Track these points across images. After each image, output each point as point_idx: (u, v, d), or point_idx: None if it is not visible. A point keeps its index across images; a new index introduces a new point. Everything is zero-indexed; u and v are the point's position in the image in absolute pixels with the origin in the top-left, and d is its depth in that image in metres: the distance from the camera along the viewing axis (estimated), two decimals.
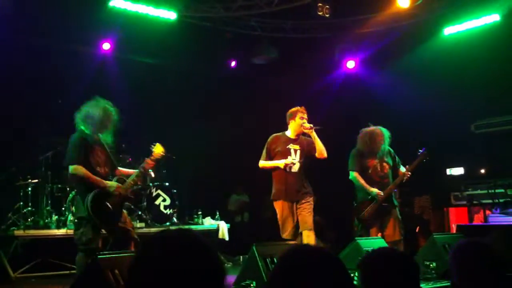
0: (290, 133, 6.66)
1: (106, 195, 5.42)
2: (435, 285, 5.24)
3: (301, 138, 6.66)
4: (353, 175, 6.91)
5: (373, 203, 6.77)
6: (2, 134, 8.36)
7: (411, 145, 8.99)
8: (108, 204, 5.44)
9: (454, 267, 2.58)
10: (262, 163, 6.65)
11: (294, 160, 6.48)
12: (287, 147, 6.56)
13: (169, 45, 9.62)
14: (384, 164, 6.92)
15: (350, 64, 11.04)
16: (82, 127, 5.58)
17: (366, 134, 6.94)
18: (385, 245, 5.72)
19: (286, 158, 6.48)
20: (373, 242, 5.74)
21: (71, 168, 5.38)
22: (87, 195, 5.35)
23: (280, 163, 6.46)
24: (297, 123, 6.58)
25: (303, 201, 6.52)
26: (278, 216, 6.62)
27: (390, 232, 6.75)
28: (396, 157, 7.06)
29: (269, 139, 6.68)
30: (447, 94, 9.71)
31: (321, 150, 6.51)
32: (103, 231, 5.63)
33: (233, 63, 11.08)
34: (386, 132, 6.92)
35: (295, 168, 6.50)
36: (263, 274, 5.11)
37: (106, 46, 9.51)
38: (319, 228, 10.16)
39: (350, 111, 10.64)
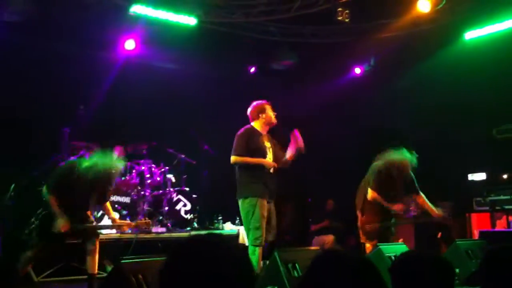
0: (260, 128, 6.46)
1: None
2: None
3: (268, 135, 6.50)
4: (372, 195, 6.78)
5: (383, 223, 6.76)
6: (23, 139, 8.47)
7: (431, 151, 8.96)
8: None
9: (485, 273, 2.53)
10: (241, 158, 6.24)
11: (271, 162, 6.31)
12: (264, 144, 6.37)
13: (189, 50, 9.68)
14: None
15: (357, 70, 11.10)
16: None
17: (398, 163, 6.70)
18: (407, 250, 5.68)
19: (264, 156, 6.30)
20: (395, 247, 5.70)
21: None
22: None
23: (266, 163, 6.28)
24: (269, 115, 6.46)
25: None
26: (256, 215, 6.18)
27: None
28: (414, 181, 6.90)
29: (245, 133, 6.33)
30: (468, 99, 9.63)
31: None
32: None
33: (252, 69, 11.10)
34: (413, 159, 6.70)
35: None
36: (285, 280, 5.11)
37: (129, 45, 9.55)
38: (339, 234, 10.16)
39: (366, 117, 10.62)
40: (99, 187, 5.89)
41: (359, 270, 1.71)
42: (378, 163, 6.87)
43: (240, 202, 6.33)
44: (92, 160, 5.81)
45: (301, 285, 1.79)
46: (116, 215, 6.28)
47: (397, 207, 6.70)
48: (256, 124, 6.47)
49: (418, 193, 6.87)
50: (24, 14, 8.22)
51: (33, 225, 5.90)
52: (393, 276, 2.23)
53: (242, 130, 6.38)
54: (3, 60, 8.37)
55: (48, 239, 5.84)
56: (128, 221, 8.34)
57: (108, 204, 6.29)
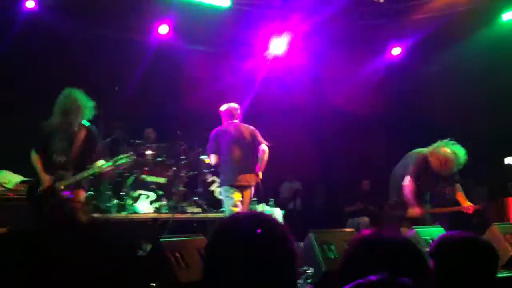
0: None
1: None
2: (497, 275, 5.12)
3: None
4: (408, 183, 6.68)
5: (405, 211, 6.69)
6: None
7: (466, 133, 8.82)
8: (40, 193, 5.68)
9: None
10: None
11: None
12: None
13: (223, 32, 9.68)
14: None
15: (396, 51, 10.83)
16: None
17: (441, 159, 6.55)
18: (444, 232, 5.63)
19: None
20: (432, 230, 5.67)
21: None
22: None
23: None
24: None
25: None
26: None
27: None
28: (454, 176, 6.76)
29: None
30: (503, 80, 9.43)
31: None
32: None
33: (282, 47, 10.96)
34: (460, 159, 6.54)
35: None
36: (321, 261, 5.14)
37: (163, 30, 9.60)
38: (374, 216, 10.13)
39: (400, 100, 10.49)
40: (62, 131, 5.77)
41: (400, 250, 1.71)
42: (421, 151, 6.76)
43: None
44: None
45: (343, 264, 1.79)
46: (102, 162, 5.96)
47: (414, 211, 6.61)
48: None
49: (453, 185, 6.78)
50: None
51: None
52: (434, 260, 2.17)
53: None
54: (45, 44, 8.53)
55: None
56: (163, 201, 8.48)
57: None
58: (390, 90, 10.65)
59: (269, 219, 1.64)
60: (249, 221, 1.61)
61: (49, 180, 5.66)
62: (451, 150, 6.52)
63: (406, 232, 6.49)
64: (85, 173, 5.82)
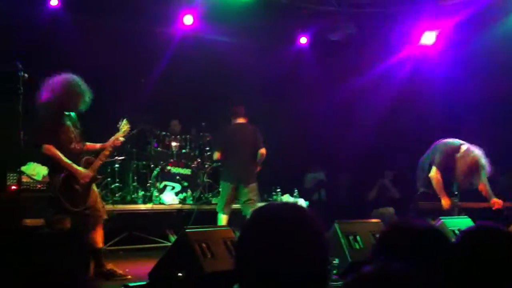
0: None
1: (75, 178, 5.50)
2: None
3: None
4: (434, 174, 6.53)
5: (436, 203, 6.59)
6: (88, 113, 8.72)
7: (501, 119, 8.67)
8: (77, 186, 5.52)
9: None
10: None
11: None
12: None
13: (247, 23, 9.66)
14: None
15: (428, 37, 10.58)
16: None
17: (469, 163, 6.35)
18: (472, 224, 5.57)
19: None
20: (459, 221, 5.61)
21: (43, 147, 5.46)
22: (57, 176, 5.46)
23: None
24: None
25: None
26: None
27: None
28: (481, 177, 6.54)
29: None
30: None
31: None
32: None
33: (304, 40, 10.91)
34: (483, 167, 6.36)
35: None
36: (346, 251, 5.13)
37: (188, 20, 9.61)
38: (399, 206, 10.06)
39: (430, 87, 10.32)
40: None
41: (430, 239, 1.69)
42: (451, 143, 6.59)
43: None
44: None
45: (373, 253, 1.79)
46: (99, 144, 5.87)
47: (444, 202, 6.52)
48: None
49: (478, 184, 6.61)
50: None
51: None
52: (462, 250, 2.13)
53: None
54: (65, 36, 8.61)
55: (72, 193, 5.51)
56: (188, 193, 8.53)
57: (88, 144, 5.89)
58: (420, 81, 10.44)
59: (302, 210, 1.64)
60: (282, 211, 1.60)
61: (88, 172, 5.57)
62: (480, 156, 6.33)
63: (433, 223, 6.45)
64: (103, 157, 5.77)
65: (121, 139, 5.90)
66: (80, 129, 5.76)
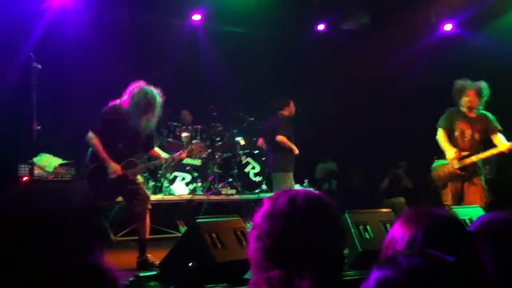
0: None
1: (105, 171, 5.60)
2: None
3: None
4: (438, 132, 6.66)
5: (449, 165, 6.52)
6: (101, 105, 8.77)
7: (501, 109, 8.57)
8: (106, 179, 5.61)
9: None
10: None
11: None
12: None
13: (259, 13, 9.62)
14: (474, 131, 6.55)
15: (448, 26, 10.45)
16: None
17: (454, 87, 6.58)
18: (483, 213, 5.53)
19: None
20: (470, 210, 5.58)
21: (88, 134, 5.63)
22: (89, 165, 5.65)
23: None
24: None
25: None
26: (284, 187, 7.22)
27: (470, 200, 6.42)
28: (495, 124, 6.54)
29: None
30: None
31: None
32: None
33: (321, 27, 10.82)
34: (482, 90, 6.42)
35: None
36: (356, 242, 5.10)
37: (196, 17, 9.61)
38: (410, 195, 10.03)
39: (448, 76, 10.21)
40: (139, 123, 5.69)
41: (447, 227, 1.68)
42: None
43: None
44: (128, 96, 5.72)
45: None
46: (166, 155, 6.06)
47: (450, 154, 6.46)
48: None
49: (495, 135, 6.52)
50: None
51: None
52: (481, 239, 2.09)
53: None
54: (78, 27, 8.63)
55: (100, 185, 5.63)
56: (198, 183, 8.56)
57: (156, 149, 6.16)
58: (439, 69, 10.32)
59: (319, 197, 1.63)
60: (298, 199, 1.59)
61: (119, 168, 5.64)
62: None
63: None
64: (151, 164, 6.00)
65: (183, 157, 6.20)
66: (147, 135, 5.89)
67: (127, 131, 5.68)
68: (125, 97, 5.70)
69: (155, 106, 5.68)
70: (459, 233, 1.70)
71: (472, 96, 6.50)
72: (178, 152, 6.22)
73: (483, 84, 6.49)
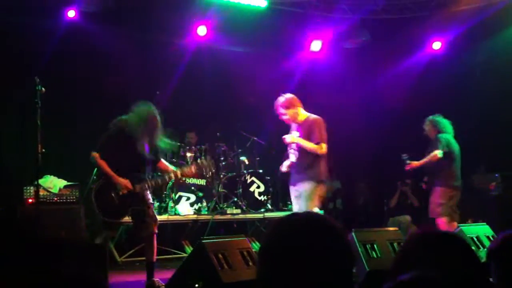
0: None
1: (114, 188, 5.59)
2: None
3: None
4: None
5: None
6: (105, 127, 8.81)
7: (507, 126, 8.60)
8: (113, 196, 5.59)
9: None
10: None
11: None
12: None
13: (260, 32, 9.69)
14: None
15: (436, 45, 10.59)
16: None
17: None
18: (491, 232, 5.51)
19: None
20: (477, 228, 5.55)
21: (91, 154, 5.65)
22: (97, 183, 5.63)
23: None
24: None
25: None
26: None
27: None
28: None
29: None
30: None
31: None
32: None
33: (318, 45, 10.87)
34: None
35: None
36: (364, 261, 5.08)
37: (201, 31, 9.62)
38: (415, 214, 9.98)
39: (436, 94, 10.28)
40: (143, 138, 5.71)
41: (453, 246, 1.67)
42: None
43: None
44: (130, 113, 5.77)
45: (396, 263, 1.75)
46: (174, 168, 6.00)
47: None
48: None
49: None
50: (101, 4, 8.46)
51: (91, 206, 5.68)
52: (495, 258, 2.05)
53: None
54: (81, 48, 8.69)
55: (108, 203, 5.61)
56: (203, 203, 8.53)
57: (163, 161, 6.10)
58: (429, 86, 10.42)
59: (326, 220, 1.61)
60: (306, 222, 1.58)
61: (128, 182, 5.62)
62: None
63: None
64: (160, 179, 5.91)
65: (193, 171, 6.03)
66: (155, 150, 5.88)
67: (133, 147, 5.68)
68: (129, 114, 5.74)
69: (158, 121, 5.75)
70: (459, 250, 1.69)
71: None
72: (188, 166, 6.13)
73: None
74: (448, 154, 7.20)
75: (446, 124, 7.42)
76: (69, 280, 1.08)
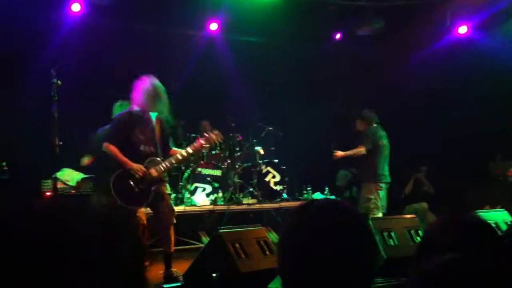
0: None
1: (131, 176, 5.56)
2: None
3: None
4: None
5: None
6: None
7: None
8: (132, 184, 5.57)
9: None
10: None
11: None
12: None
13: (274, 22, 9.64)
14: None
15: (462, 29, 10.34)
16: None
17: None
18: (509, 217, 5.46)
19: None
20: (495, 215, 5.50)
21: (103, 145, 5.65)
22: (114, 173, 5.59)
23: None
24: None
25: None
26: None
27: None
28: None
29: None
30: None
31: None
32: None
33: (338, 36, 10.81)
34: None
35: None
36: (381, 248, 5.07)
37: (213, 26, 9.63)
38: (432, 200, 9.92)
39: (461, 79, 10.14)
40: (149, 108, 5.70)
41: (479, 231, 1.66)
42: None
43: None
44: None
45: (419, 250, 1.74)
46: (182, 150, 5.92)
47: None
48: None
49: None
50: None
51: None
52: None
53: None
54: (94, 42, 8.71)
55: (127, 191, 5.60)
56: (219, 194, 8.56)
57: (174, 149, 6.02)
58: (453, 71, 10.23)
59: (348, 208, 1.58)
60: (327, 209, 1.55)
61: (142, 166, 5.59)
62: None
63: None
64: (173, 159, 5.81)
65: (202, 142, 5.97)
66: (168, 132, 5.90)
67: (145, 133, 5.69)
68: (134, 94, 5.73)
69: (162, 92, 5.75)
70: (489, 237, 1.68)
71: None
72: (196, 141, 6.05)
73: None
74: (373, 150, 7.57)
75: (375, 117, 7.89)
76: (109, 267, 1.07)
